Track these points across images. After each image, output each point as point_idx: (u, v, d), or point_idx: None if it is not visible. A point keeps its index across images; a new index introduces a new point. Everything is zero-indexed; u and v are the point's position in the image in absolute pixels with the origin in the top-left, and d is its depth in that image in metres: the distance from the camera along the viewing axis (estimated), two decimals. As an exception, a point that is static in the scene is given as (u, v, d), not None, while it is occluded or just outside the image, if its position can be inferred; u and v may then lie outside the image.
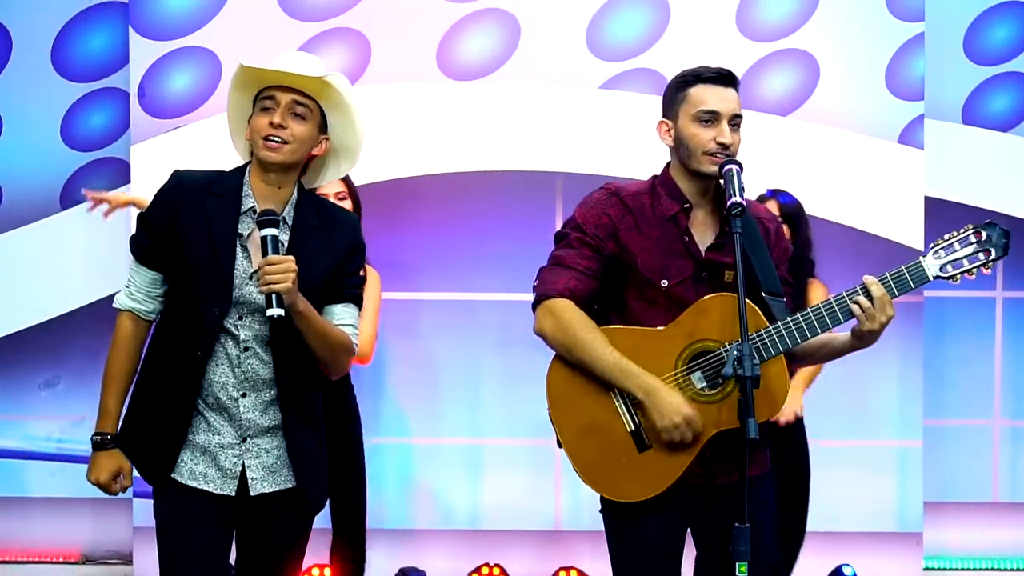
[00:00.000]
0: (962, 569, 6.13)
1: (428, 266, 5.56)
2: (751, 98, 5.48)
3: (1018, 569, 6.12)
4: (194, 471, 3.20)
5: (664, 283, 3.17)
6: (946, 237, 3.14)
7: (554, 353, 3.24)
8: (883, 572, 5.54)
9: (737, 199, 3.04)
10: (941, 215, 5.75)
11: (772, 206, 4.81)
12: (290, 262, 3.04)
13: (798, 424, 4.91)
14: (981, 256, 3.13)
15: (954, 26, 5.98)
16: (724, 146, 3.16)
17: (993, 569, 6.12)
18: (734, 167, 3.11)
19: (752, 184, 3.20)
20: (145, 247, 3.24)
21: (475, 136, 5.60)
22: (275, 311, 3.03)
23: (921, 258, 3.13)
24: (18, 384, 6.13)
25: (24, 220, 6.02)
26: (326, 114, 3.23)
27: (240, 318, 3.17)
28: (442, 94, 5.59)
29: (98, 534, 6.12)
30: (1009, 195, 5.96)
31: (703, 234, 3.23)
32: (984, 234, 3.13)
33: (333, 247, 3.25)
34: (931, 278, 3.13)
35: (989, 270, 3.16)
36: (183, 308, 3.20)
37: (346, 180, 4.62)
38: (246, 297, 3.17)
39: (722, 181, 3.14)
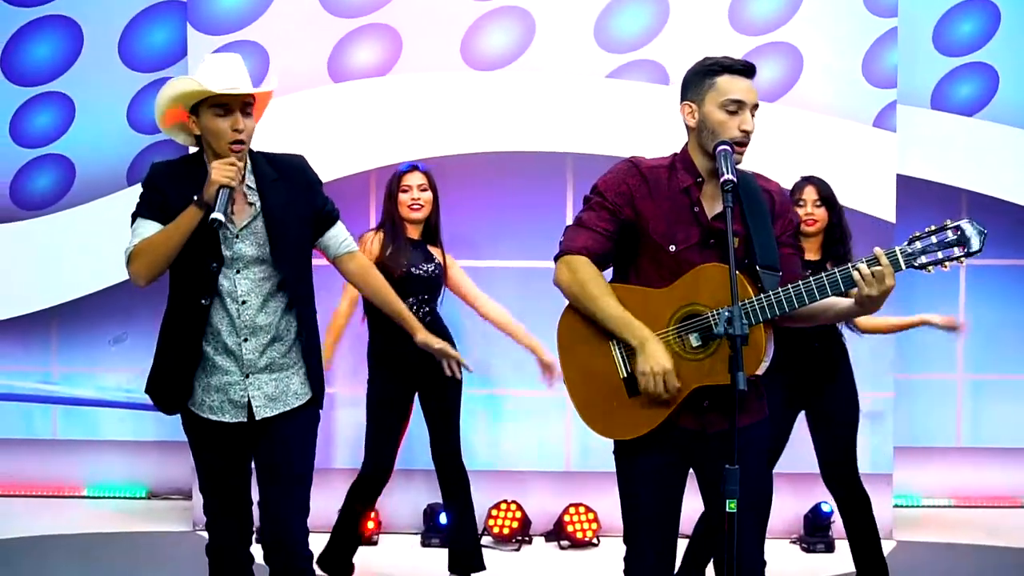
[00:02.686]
0: (928, 507, 6.16)
1: (452, 236, 5.56)
2: (741, 86, 5.47)
3: (978, 506, 6.15)
4: (212, 406, 3.54)
5: (672, 248, 3.18)
6: (927, 230, 3.02)
7: (564, 307, 3.25)
8: (857, 509, 5.56)
9: (728, 176, 3.03)
10: (911, 191, 5.77)
11: (811, 191, 4.69)
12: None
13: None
14: (956, 251, 2.99)
15: (925, 21, 6.01)
16: (747, 133, 3.15)
17: (956, 507, 6.15)
18: (727, 147, 3.10)
19: (746, 164, 3.19)
20: (154, 203, 3.47)
21: (495, 120, 5.63)
22: (217, 214, 3.32)
23: (897, 248, 3.04)
24: (91, 340, 6.25)
25: (95, 195, 6.15)
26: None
27: (237, 272, 3.50)
28: (466, 83, 5.62)
29: (162, 473, 6.24)
30: (973, 174, 6.00)
31: (711, 205, 3.23)
32: (963, 232, 3.00)
33: (296, 188, 3.59)
34: (903, 268, 3.01)
35: (963, 263, 3.02)
36: (185, 265, 3.48)
37: (425, 173, 4.92)
38: (238, 253, 3.49)
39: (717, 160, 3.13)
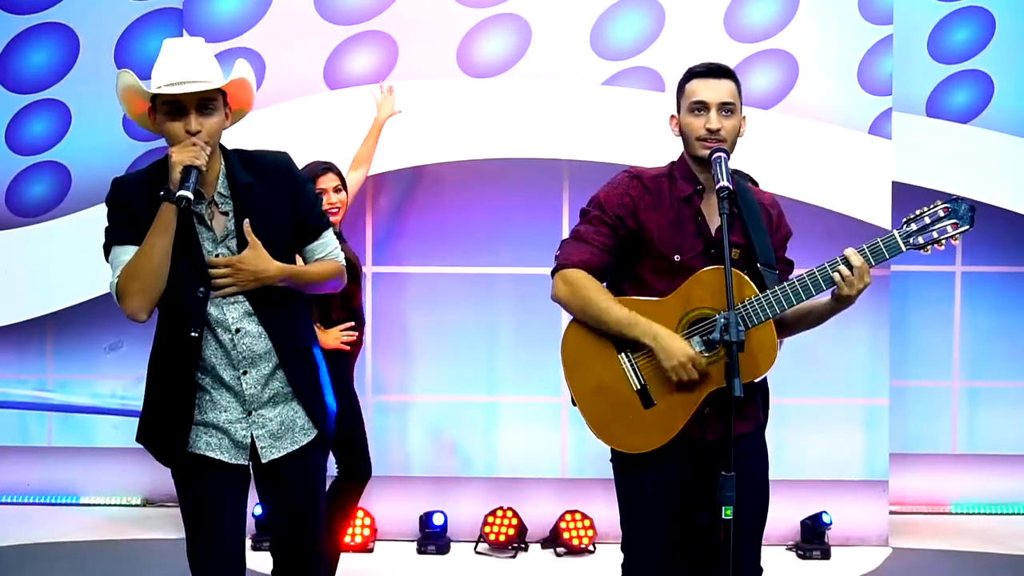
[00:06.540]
0: (924, 513, 6.15)
1: (449, 243, 5.58)
2: (737, 93, 5.46)
3: (973, 512, 6.14)
4: (210, 443, 3.14)
5: (677, 257, 3.20)
6: (918, 212, 3.13)
7: (567, 321, 3.24)
8: (853, 516, 5.58)
9: (724, 183, 3.05)
10: (907, 198, 5.77)
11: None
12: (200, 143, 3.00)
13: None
14: (949, 228, 3.10)
15: (920, 28, 6.01)
16: (712, 131, 3.18)
17: (951, 513, 6.14)
18: (721, 155, 3.12)
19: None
20: (124, 224, 3.07)
21: (491, 127, 5.62)
22: (184, 192, 2.91)
23: (895, 231, 3.12)
24: (86, 347, 6.25)
25: (91, 202, 6.16)
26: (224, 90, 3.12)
27: (223, 297, 3.10)
28: (462, 90, 5.61)
29: (157, 480, 6.22)
30: (968, 180, 6.01)
31: (712, 215, 3.23)
32: (952, 208, 3.12)
33: (277, 194, 3.15)
34: (904, 249, 3.11)
35: (957, 241, 3.13)
36: (171, 295, 3.07)
37: (338, 173, 4.64)
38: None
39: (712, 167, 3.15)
